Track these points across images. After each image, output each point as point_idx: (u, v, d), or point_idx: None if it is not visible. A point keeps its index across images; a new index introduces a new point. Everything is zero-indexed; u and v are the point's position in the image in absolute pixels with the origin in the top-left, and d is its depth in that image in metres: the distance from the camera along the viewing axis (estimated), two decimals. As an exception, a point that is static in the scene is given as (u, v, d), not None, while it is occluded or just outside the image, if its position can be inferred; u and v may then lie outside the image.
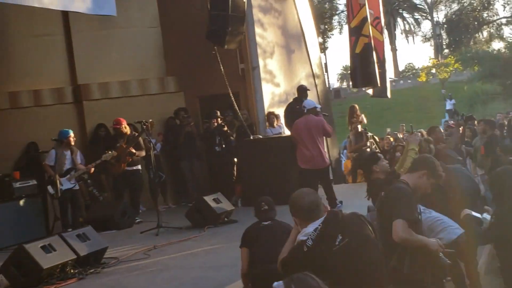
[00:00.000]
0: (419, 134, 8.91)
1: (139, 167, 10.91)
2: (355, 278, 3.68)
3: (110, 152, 9.97)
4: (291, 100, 12.21)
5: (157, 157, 11.71)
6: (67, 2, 8.28)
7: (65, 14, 11.77)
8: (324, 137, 10.05)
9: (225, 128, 11.85)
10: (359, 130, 12.81)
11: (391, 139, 15.12)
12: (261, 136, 11.76)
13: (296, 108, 10.63)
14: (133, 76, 12.69)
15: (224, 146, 11.84)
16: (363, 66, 11.06)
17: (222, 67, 11.18)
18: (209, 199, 9.42)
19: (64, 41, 12.30)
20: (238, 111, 11.92)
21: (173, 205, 12.42)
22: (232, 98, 11.56)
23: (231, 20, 10.71)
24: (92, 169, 10.03)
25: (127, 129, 10.65)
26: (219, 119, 11.91)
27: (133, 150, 10.44)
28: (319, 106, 10.55)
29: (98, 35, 12.36)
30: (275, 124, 12.27)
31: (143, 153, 10.75)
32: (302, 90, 11.55)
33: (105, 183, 11.67)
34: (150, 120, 10.04)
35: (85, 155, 10.76)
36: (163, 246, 8.24)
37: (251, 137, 11.50)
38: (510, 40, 30.80)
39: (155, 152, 11.48)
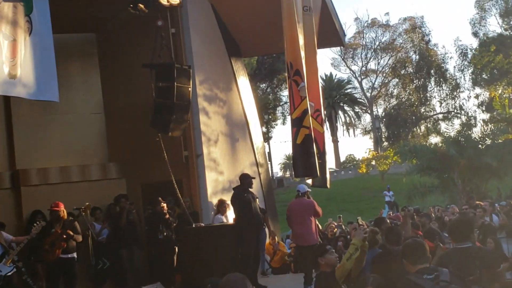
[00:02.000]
0: (366, 229, 8.98)
1: (75, 255, 10.62)
2: None
3: (38, 223, 9.61)
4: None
5: (103, 244, 11.48)
6: (8, 87, 8.16)
7: (7, 99, 11.65)
8: (314, 218, 10.79)
9: (167, 216, 11.70)
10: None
11: (335, 230, 15.20)
12: (203, 224, 11.63)
13: (244, 196, 10.63)
14: (74, 162, 12.51)
15: (165, 234, 11.67)
16: (303, 156, 11.21)
17: (165, 154, 11.16)
18: (148, 289, 9.17)
19: (4, 126, 12.12)
20: (181, 198, 11.81)
21: (109, 296, 11.95)
22: (175, 185, 11.48)
23: (176, 108, 10.80)
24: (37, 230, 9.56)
25: (64, 214, 10.44)
26: (161, 206, 11.77)
27: (71, 233, 10.24)
28: (310, 189, 11.66)
29: (39, 120, 12.26)
30: (226, 213, 12.15)
31: (80, 238, 10.56)
32: (245, 178, 11.30)
33: (40, 272, 11.19)
34: (87, 203, 9.86)
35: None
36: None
37: (193, 225, 11.36)
38: (447, 135, 32.00)
39: (101, 238, 11.32)
